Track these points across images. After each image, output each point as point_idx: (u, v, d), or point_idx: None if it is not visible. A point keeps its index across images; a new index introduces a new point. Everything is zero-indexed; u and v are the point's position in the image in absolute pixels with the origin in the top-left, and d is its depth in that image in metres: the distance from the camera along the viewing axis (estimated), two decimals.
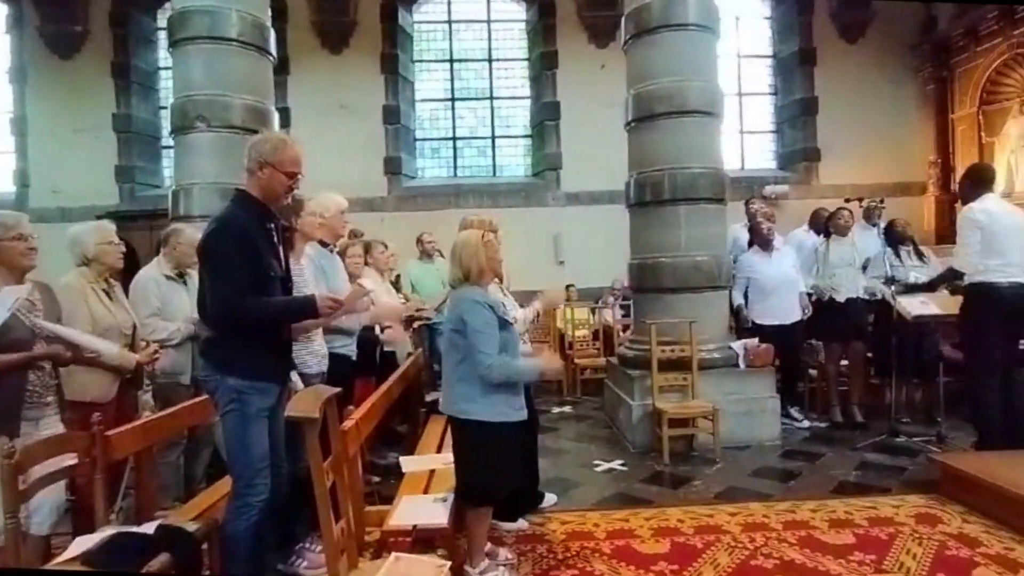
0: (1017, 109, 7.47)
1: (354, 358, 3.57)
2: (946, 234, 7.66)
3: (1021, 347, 4.06)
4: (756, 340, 4.76)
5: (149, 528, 2.18)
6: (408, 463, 3.18)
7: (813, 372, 5.48)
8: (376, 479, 3.88)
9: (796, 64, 9.19)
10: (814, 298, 5.19)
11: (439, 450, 3.42)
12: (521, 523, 3.25)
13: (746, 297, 5.26)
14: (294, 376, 2.64)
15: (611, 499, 3.69)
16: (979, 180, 4.09)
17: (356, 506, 2.40)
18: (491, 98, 9.42)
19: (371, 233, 5.51)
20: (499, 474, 2.56)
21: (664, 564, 2.80)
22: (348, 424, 2.35)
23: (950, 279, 4.28)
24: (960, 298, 4.15)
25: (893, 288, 4.53)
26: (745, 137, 9.58)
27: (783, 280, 5.11)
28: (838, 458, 4.27)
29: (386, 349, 4.29)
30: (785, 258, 5.26)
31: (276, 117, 4.98)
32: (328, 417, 2.13)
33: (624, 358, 5.09)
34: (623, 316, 7.19)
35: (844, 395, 5.24)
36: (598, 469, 4.24)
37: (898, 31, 8.89)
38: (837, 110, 8.96)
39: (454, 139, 9.42)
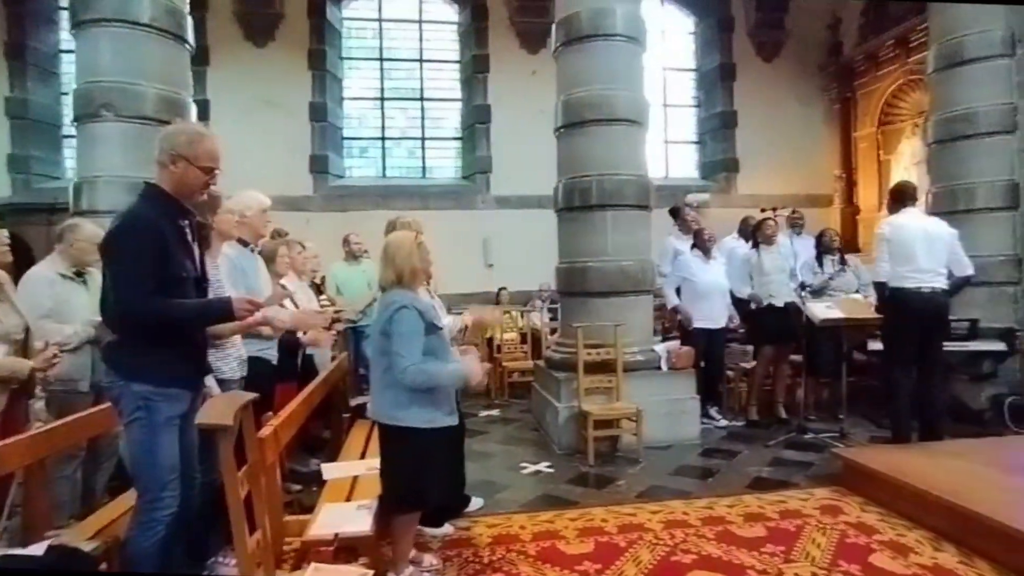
0: (910, 130, 8.09)
1: (275, 362, 3.43)
2: (850, 245, 8.19)
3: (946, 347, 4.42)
4: (678, 343, 4.93)
5: (38, 549, 2.00)
6: (330, 470, 3.08)
7: (731, 373, 5.72)
8: (298, 488, 3.75)
9: (717, 79, 9.62)
10: (753, 306, 5.39)
11: (363, 456, 3.34)
12: (447, 528, 3.22)
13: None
14: (210, 381, 2.50)
15: (537, 501, 3.71)
16: (899, 196, 4.44)
17: (274, 516, 2.30)
18: (422, 99, 9.33)
19: (296, 233, 5.33)
20: (428, 480, 2.52)
21: (588, 564, 2.84)
22: (266, 431, 2.25)
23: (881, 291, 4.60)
24: (865, 303, 4.48)
25: (804, 293, 4.81)
26: (670, 147, 9.93)
27: (716, 286, 5.30)
28: (753, 455, 4.48)
29: (308, 351, 4.15)
30: (720, 265, 5.47)
31: (194, 109, 4.73)
32: (244, 424, 2.03)
33: (551, 361, 5.15)
34: (551, 319, 7.27)
35: (768, 395, 5.49)
36: (525, 472, 4.26)
37: (809, 53, 9.46)
38: (754, 124, 9.43)
39: (383, 139, 9.26)
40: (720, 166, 9.58)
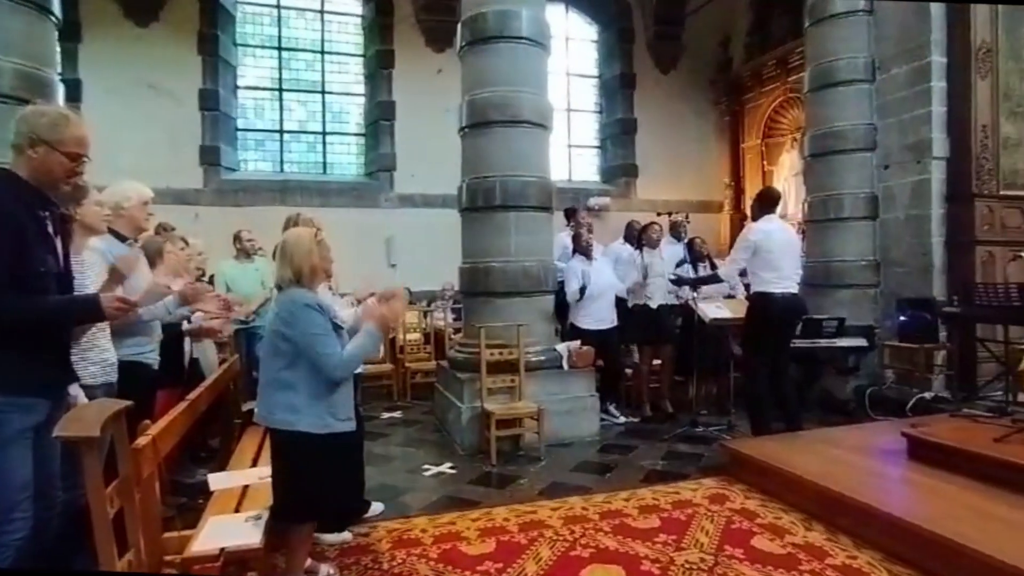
0: (790, 144, 8.77)
1: (155, 366, 3.17)
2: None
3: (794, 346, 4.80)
4: (579, 343, 5.05)
5: None
6: (217, 480, 2.90)
7: (629, 372, 5.94)
8: (182, 500, 3.50)
9: (618, 87, 9.98)
10: (631, 304, 5.62)
11: (255, 464, 3.17)
12: (344, 535, 3.12)
13: (564, 304, 5.55)
14: (75, 390, 2.26)
15: (439, 503, 3.68)
16: (765, 202, 4.70)
17: (150, 534, 2.13)
18: (323, 92, 9.02)
19: (185, 229, 5.00)
20: (323, 488, 2.42)
21: (490, 564, 2.84)
22: (142, 441, 2.07)
23: (711, 281, 4.90)
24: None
25: (695, 295, 5.08)
26: (573, 150, 10.19)
27: (604, 287, 5.47)
28: (648, 449, 4.66)
29: (194, 355, 3.89)
30: (605, 267, 5.65)
31: (61, 89, 4.30)
32: (116, 435, 1.86)
33: (454, 361, 5.12)
34: (455, 319, 7.25)
35: (655, 392, 5.74)
36: (427, 473, 4.22)
37: (702, 67, 10.02)
38: (652, 132, 9.88)
39: (281, 132, 8.86)
40: (620, 171, 9.94)
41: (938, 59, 5.51)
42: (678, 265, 5.77)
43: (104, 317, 2.01)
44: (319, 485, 2.41)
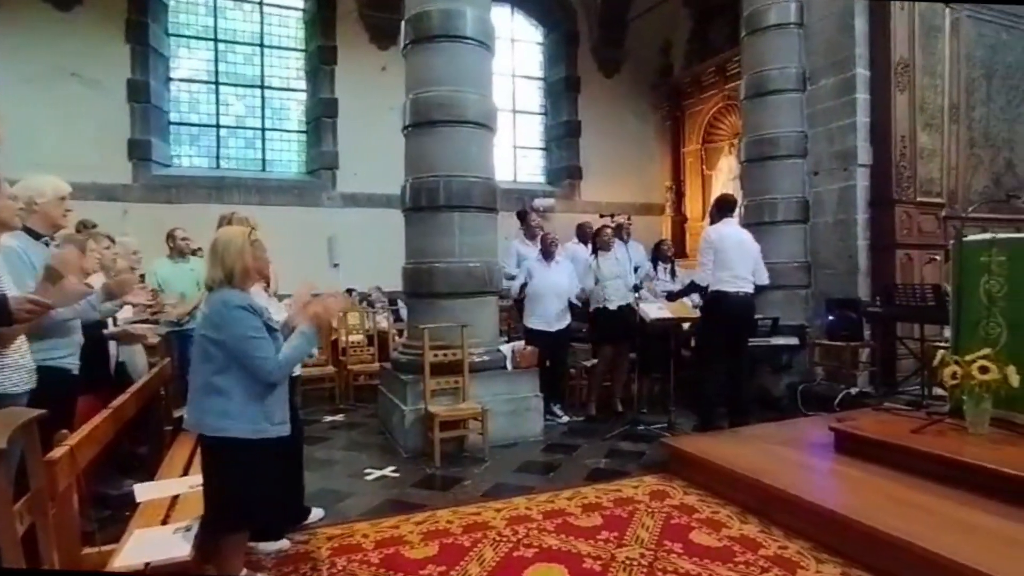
0: (728, 149, 9.06)
1: (75, 371, 2.99)
2: (678, 249, 8.99)
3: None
4: (523, 343, 5.07)
5: None
6: (144, 491, 2.75)
7: (573, 371, 6.01)
8: (107, 513, 3.31)
9: (563, 89, 10.09)
10: (591, 308, 5.65)
11: (186, 472, 3.03)
12: (282, 543, 3.03)
13: (522, 302, 5.58)
14: None
15: (382, 507, 3.62)
16: (722, 206, 4.97)
17: (67, 550, 2.00)
18: (262, 87, 8.75)
19: (111, 227, 4.75)
20: (258, 495, 2.34)
21: (432, 567, 2.81)
22: (58, 452, 1.95)
23: (690, 292, 5.03)
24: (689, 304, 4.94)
25: (637, 296, 5.19)
26: (518, 152, 10.23)
27: (553, 289, 5.51)
28: (592, 448, 4.72)
29: (120, 359, 3.69)
30: (563, 269, 5.69)
31: None
32: (27, 446, 1.75)
33: (397, 363, 5.06)
34: (395, 321, 7.16)
35: (608, 391, 5.80)
36: (369, 477, 4.14)
37: (644, 72, 10.24)
38: (596, 135, 10.03)
39: (217, 127, 8.54)
40: (565, 173, 10.05)
41: (862, 72, 5.81)
42: (636, 267, 5.89)
43: (13, 320, 1.87)
44: (253, 492, 2.33)
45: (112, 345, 3.68)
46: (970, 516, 2.79)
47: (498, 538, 3.12)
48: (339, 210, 8.51)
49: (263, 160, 8.74)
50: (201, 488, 2.39)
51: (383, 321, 7.23)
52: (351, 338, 6.82)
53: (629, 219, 6.12)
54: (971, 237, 3.96)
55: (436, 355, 4.57)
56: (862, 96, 5.81)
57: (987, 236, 3.88)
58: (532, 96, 10.40)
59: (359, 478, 4.13)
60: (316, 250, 8.22)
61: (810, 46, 6.18)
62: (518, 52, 10.22)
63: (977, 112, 6.62)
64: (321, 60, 8.61)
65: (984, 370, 3.35)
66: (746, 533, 3.10)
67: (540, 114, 10.41)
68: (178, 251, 5.33)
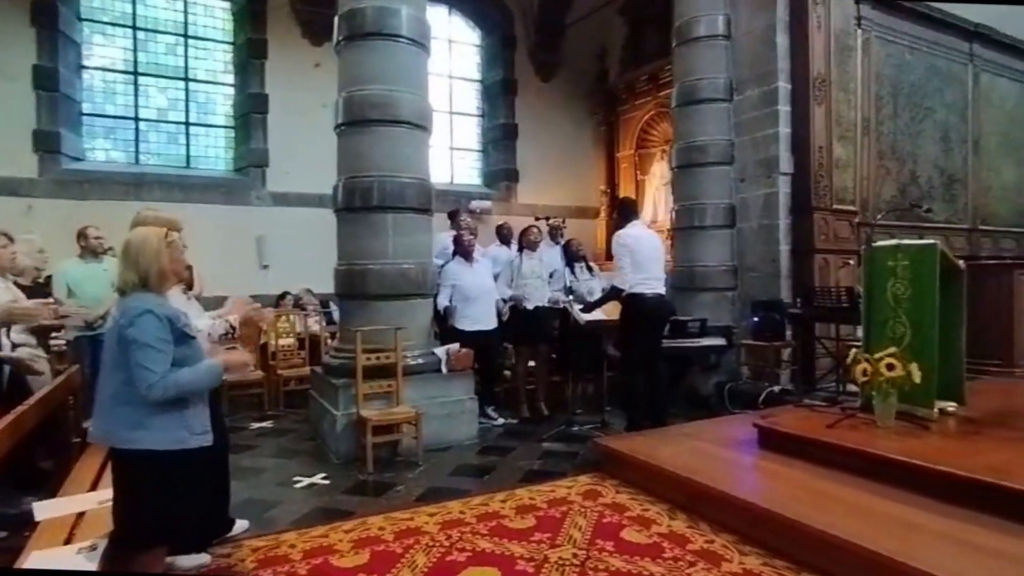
0: (660, 155, 9.31)
1: None
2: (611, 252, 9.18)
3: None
4: (457, 345, 5.04)
5: None
6: (44, 509, 2.56)
7: (507, 373, 6.02)
8: (3, 535, 3.07)
9: (500, 92, 10.11)
10: (510, 305, 5.69)
11: (94, 488, 2.84)
12: (203, 557, 2.89)
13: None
14: None
15: (311, 515, 3.51)
16: (626, 211, 5.05)
17: None
18: (186, 79, 8.34)
19: (13, 224, 4.41)
20: (175, 510, 2.21)
21: (363, 575, 2.75)
22: None
23: (615, 296, 5.11)
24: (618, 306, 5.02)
25: (570, 297, 5.25)
26: (455, 153, 10.18)
27: (483, 289, 5.51)
28: (526, 450, 4.73)
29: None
30: (484, 269, 5.68)
31: None
32: None
33: (329, 367, 4.93)
34: (327, 324, 6.99)
35: (532, 393, 5.84)
36: (298, 485, 4.01)
37: (581, 78, 10.38)
38: (533, 138, 10.09)
39: (136, 119, 8.07)
40: (502, 175, 10.07)
41: (784, 85, 6.10)
42: (551, 275, 5.93)
43: None
44: (172, 506, 2.20)
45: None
46: (878, 504, 2.97)
47: (431, 543, 3.08)
48: (269, 209, 8.21)
49: (187, 156, 8.32)
50: (110, 504, 2.24)
51: (314, 324, 7.03)
52: (281, 342, 6.60)
53: (563, 222, 6.19)
54: (879, 243, 4.23)
55: (369, 358, 4.48)
56: (784, 108, 6.10)
57: (893, 242, 4.14)
58: (469, 98, 10.37)
59: (288, 486, 4.00)
60: (244, 251, 7.91)
61: (737, 58, 6.44)
62: (455, 53, 10.17)
63: (885, 127, 7.08)
64: (250, 54, 8.29)
65: (891, 367, 3.57)
66: (675, 529, 3.18)
67: (477, 116, 10.39)
68: (90, 251, 5.02)
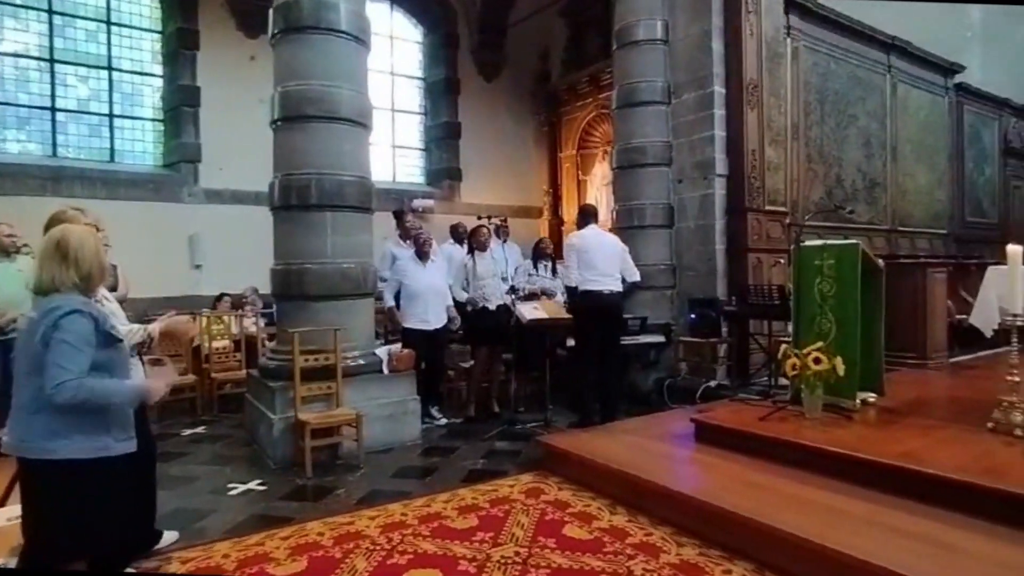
0: (601, 156, 9.46)
1: None
2: (555, 251, 9.25)
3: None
4: (399, 345, 4.98)
5: None
6: None
7: (451, 373, 5.98)
8: None
9: (443, 91, 10.05)
10: (469, 308, 5.65)
11: (2, 504, 2.66)
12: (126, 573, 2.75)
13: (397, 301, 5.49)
14: None
15: (246, 523, 3.40)
16: (584, 214, 5.31)
17: None
18: (110, 68, 7.91)
19: None
20: (97, 523, 2.10)
21: None
22: None
23: (571, 295, 5.18)
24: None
25: (513, 296, 5.27)
26: (397, 152, 10.06)
27: (434, 289, 5.46)
28: (469, 450, 4.72)
29: None
30: (438, 269, 5.63)
31: None
32: None
33: (266, 369, 4.78)
34: (266, 324, 6.77)
35: (485, 391, 5.82)
36: (233, 493, 3.87)
37: (523, 78, 10.44)
38: (476, 137, 10.08)
39: (53, 110, 7.60)
40: (445, 174, 10.01)
41: (719, 90, 6.29)
42: (517, 268, 5.96)
43: None
44: (91, 519, 2.08)
45: None
46: (805, 492, 3.11)
47: (371, 547, 3.03)
48: (202, 207, 7.89)
49: (111, 150, 7.90)
50: (19, 519, 2.10)
51: (251, 325, 6.80)
52: (215, 344, 6.35)
53: (505, 221, 6.20)
54: (807, 243, 4.42)
55: (307, 360, 4.37)
56: (719, 112, 6.29)
57: (820, 242, 4.34)
58: (411, 96, 10.26)
59: (221, 494, 3.86)
60: (175, 250, 7.59)
61: (674, 62, 6.60)
62: (397, 50, 10.05)
63: (813, 131, 7.42)
64: (180, 44, 7.94)
65: (817, 361, 3.74)
66: (615, 524, 3.24)
67: (420, 114, 10.30)
68: (2, 249, 4.69)
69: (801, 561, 2.56)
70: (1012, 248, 3.35)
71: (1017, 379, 3.35)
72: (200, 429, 5.48)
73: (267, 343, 6.25)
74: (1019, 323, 3.35)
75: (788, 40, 6.99)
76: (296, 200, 4.65)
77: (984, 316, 3.60)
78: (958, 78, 9.57)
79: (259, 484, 4.00)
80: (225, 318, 6.63)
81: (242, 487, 3.96)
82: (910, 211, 8.91)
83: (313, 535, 3.18)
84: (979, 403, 3.82)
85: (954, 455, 3.14)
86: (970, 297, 4.59)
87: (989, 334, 3.69)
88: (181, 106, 7.94)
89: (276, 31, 4.80)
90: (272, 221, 4.90)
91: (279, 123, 4.78)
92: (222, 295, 7.31)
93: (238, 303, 7.32)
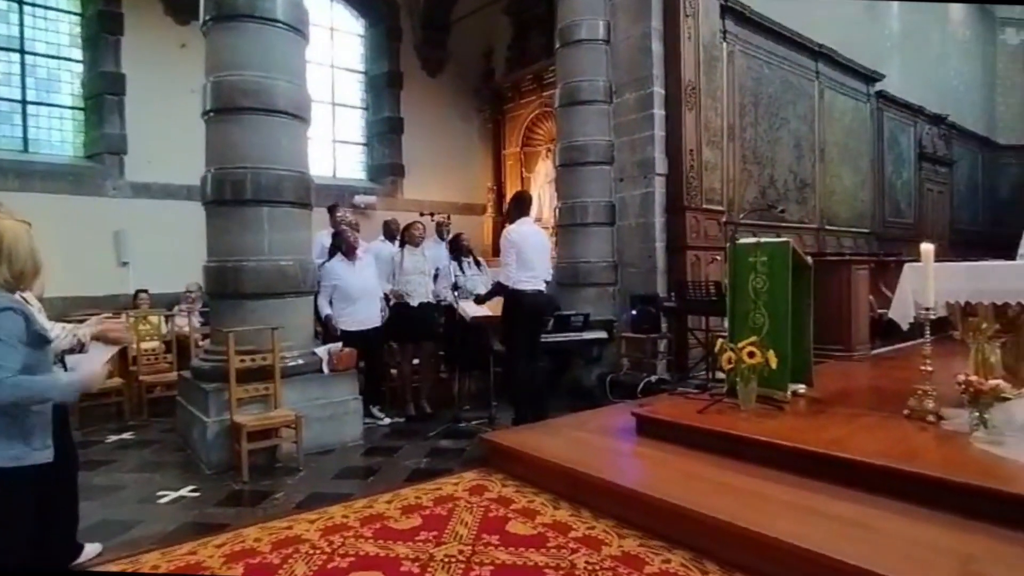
0: (544, 153, 9.53)
1: None
2: (497, 249, 9.28)
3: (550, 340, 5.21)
4: (340, 344, 4.88)
5: None
6: None
7: (394, 372, 5.90)
8: None
9: (385, 85, 9.88)
10: (392, 303, 5.59)
11: None
12: None
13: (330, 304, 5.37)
14: None
15: (179, 532, 3.25)
16: (519, 204, 5.13)
17: None
18: (22, 51, 7.39)
19: None
20: (10, 535, 1.97)
21: None
22: None
23: (499, 292, 5.17)
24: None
25: (456, 293, 5.24)
26: (338, 147, 9.84)
27: (366, 289, 5.37)
28: (412, 449, 4.67)
29: None
30: (367, 268, 5.54)
31: None
32: None
33: (199, 371, 4.59)
34: (202, 324, 6.51)
35: (416, 391, 5.77)
36: (163, 501, 3.70)
37: (468, 74, 10.39)
38: (419, 133, 9.96)
39: None
40: (387, 170, 9.86)
41: (658, 91, 6.44)
42: (437, 271, 5.90)
43: None
44: (3, 531, 1.96)
45: None
46: (740, 480, 3.22)
47: (311, 551, 2.95)
48: (128, 201, 7.49)
49: (24, 139, 7.39)
50: None
51: (185, 325, 6.51)
52: (144, 345, 6.06)
53: (448, 218, 6.16)
54: (742, 240, 4.58)
55: (243, 360, 4.22)
56: (658, 112, 6.44)
57: (754, 240, 4.51)
58: (353, 90, 10.05)
59: (151, 503, 3.68)
60: (99, 246, 7.18)
61: (616, 62, 6.71)
62: (338, 43, 9.81)
63: (748, 133, 7.70)
64: (102, 27, 7.49)
65: (752, 355, 3.88)
66: (558, 518, 3.27)
67: (361, 109, 10.10)
68: None
69: (735, 547, 2.66)
70: (925, 246, 3.56)
71: (930, 369, 3.57)
72: (128, 435, 5.22)
73: (200, 343, 6.01)
74: (931, 316, 3.57)
75: (724, 44, 7.23)
76: (231, 195, 4.48)
77: (901, 310, 3.81)
78: (879, 86, 10.15)
79: (192, 491, 3.84)
80: (153, 318, 6.33)
81: (173, 494, 3.79)
82: (837, 211, 9.38)
83: (250, 541, 3.07)
84: (897, 392, 4.04)
85: (875, 441, 3.32)
86: (889, 292, 4.85)
87: (906, 327, 3.90)
88: (104, 94, 7.51)
89: (208, 18, 4.61)
90: (205, 216, 4.71)
91: (212, 114, 4.59)
92: (138, 292, 6.97)
93: (178, 301, 7.01)
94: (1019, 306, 3.47)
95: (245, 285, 4.46)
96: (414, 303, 5.54)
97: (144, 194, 7.56)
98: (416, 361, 5.75)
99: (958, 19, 13.11)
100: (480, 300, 5.14)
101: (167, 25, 7.76)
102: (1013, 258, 4.25)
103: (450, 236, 6.29)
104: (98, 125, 7.56)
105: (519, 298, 4.74)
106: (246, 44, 4.53)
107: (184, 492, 3.82)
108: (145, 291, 7.02)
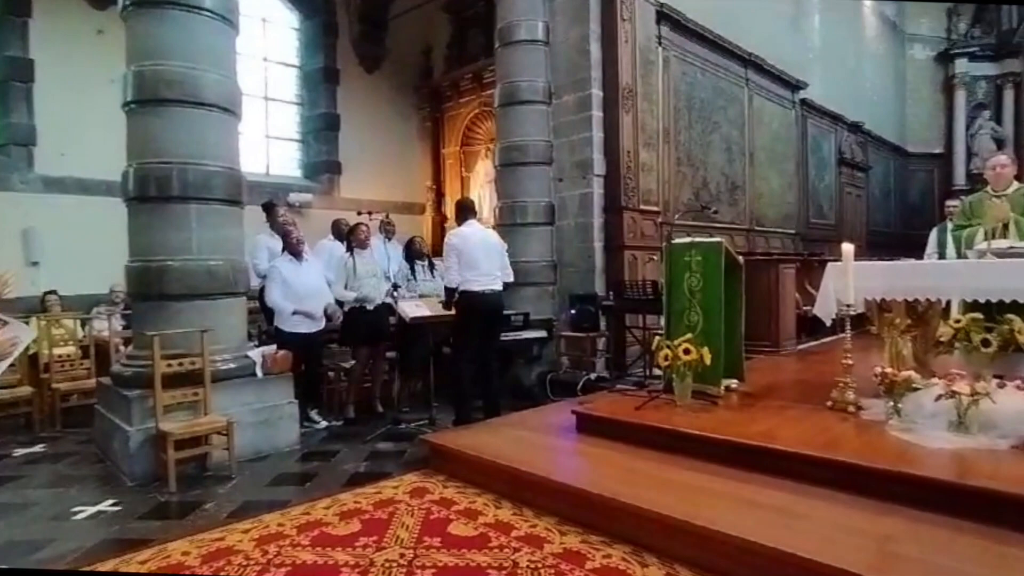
0: (484, 153, 9.52)
1: None
2: (439, 248, 9.20)
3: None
4: (274, 347, 4.71)
5: None
6: None
7: (331, 374, 5.76)
8: None
9: (321, 80, 9.63)
10: (347, 307, 5.45)
11: None
12: None
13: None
14: None
15: (96, 550, 3.05)
16: (463, 209, 5.23)
17: None
18: None
19: None
20: None
21: None
22: None
23: (451, 295, 5.14)
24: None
25: (396, 293, 5.17)
26: (271, 143, 9.51)
27: (313, 289, 5.21)
28: (351, 452, 4.57)
29: None
30: (314, 268, 5.38)
31: None
32: None
33: (120, 377, 4.33)
34: (124, 327, 6.16)
35: (367, 392, 5.67)
36: (79, 517, 3.47)
37: (406, 72, 10.26)
38: (357, 130, 9.76)
39: None
40: (323, 167, 9.62)
41: (596, 93, 6.55)
42: (398, 269, 5.82)
43: None
44: None
45: None
46: (676, 474, 3.30)
47: (245, 562, 2.83)
48: (39, 196, 6.99)
49: None
50: None
51: (104, 329, 6.13)
52: (57, 351, 5.67)
53: (387, 217, 6.05)
54: (677, 240, 4.70)
55: (170, 365, 4.01)
56: (596, 114, 6.55)
57: (688, 240, 4.64)
58: (287, 84, 9.74)
59: (65, 520, 3.44)
60: (6, 244, 6.67)
61: (555, 64, 6.78)
62: (271, 35, 9.49)
63: (682, 136, 7.93)
64: (6, 8, 6.95)
65: (687, 352, 3.99)
66: (500, 518, 3.26)
67: (296, 104, 9.80)
68: None
69: (674, 539, 2.72)
70: (846, 246, 3.77)
71: (850, 362, 3.77)
72: (38, 448, 4.87)
73: (121, 348, 5.67)
74: (852, 313, 3.77)
75: (660, 49, 7.42)
76: (155, 191, 4.24)
77: (824, 307, 4.01)
78: (803, 94, 10.66)
79: (112, 504, 3.62)
80: (68, 322, 5.93)
81: (91, 509, 3.56)
82: (765, 212, 9.80)
83: (177, 555, 2.92)
84: (821, 384, 4.24)
85: (800, 432, 3.47)
86: (813, 290, 5.11)
87: (829, 323, 4.12)
88: (9, 80, 6.98)
89: (128, 3, 4.35)
90: (127, 213, 4.45)
91: (133, 106, 4.33)
92: (47, 294, 6.53)
93: (97, 303, 6.59)
94: (927, 302, 3.71)
95: (171, 286, 4.24)
96: (370, 306, 5.41)
97: (57, 189, 7.07)
98: (371, 362, 5.62)
99: (871, 35, 13.93)
100: (446, 306, 5.08)
101: (82, 9, 7.29)
102: (921, 258, 4.55)
103: (406, 240, 6.19)
104: (3, 114, 7.02)
105: (468, 298, 4.75)
106: (170, 32, 4.30)
107: (103, 506, 3.59)
108: (54, 292, 6.57)
